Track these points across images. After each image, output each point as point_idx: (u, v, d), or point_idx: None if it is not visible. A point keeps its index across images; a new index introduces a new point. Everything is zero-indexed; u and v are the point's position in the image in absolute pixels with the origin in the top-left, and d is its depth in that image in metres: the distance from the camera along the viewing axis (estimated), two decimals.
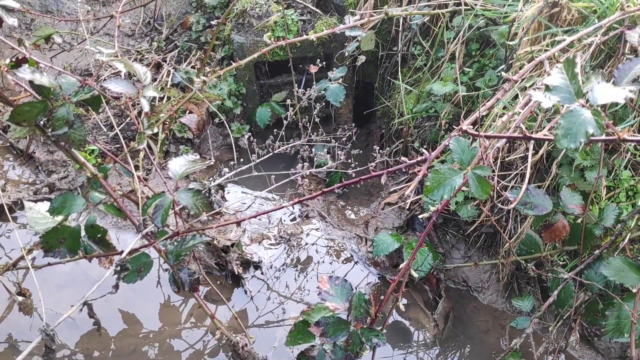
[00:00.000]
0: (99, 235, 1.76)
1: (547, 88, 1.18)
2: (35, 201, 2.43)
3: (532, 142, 1.81)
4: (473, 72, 2.38)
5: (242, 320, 2.05)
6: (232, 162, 2.47)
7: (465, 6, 2.30)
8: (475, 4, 2.28)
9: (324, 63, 2.64)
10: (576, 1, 1.99)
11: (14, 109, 1.61)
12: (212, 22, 2.98)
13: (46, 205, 1.84)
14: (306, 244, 2.40)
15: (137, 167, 2.44)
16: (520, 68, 2.06)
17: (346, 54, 2.55)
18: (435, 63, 2.54)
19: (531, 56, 2.03)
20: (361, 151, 2.74)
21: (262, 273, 2.26)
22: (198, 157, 1.83)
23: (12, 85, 2.92)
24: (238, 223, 1.74)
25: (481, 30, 2.31)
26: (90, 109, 1.74)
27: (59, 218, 1.73)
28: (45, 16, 3.29)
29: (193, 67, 2.93)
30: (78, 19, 3.33)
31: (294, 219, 2.55)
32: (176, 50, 3.06)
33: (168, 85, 2.80)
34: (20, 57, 1.65)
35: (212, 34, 2.98)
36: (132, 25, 3.37)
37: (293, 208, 2.55)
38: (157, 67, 2.97)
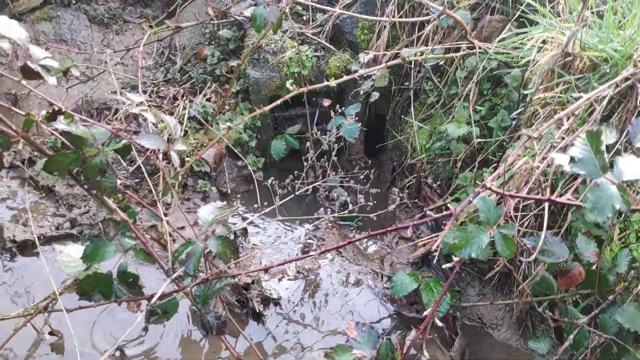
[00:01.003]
0: (131, 280, 1.82)
1: (572, 160, 1.25)
2: (58, 237, 2.49)
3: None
4: (485, 111, 2.45)
5: (262, 355, 2.10)
6: (255, 205, 2.51)
7: (478, 49, 2.38)
8: (489, 48, 2.35)
9: (337, 97, 2.71)
10: (588, 50, 2.06)
11: (48, 159, 1.67)
12: (229, 61, 3.03)
13: (75, 248, 1.90)
14: (321, 279, 2.46)
15: (155, 203, 2.50)
16: (534, 114, 2.14)
17: (361, 92, 2.61)
18: (448, 100, 2.61)
19: (544, 102, 2.11)
20: (378, 190, 2.78)
21: (280, 308, 2.31)
22: (225, 203, 1.89)
23: (45, 132, 2.96)
24: (266, 270, 1.79)
25: (494, 72, 2.38)
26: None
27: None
28: (60, 47, 3.36)
29: (208, 100, 2.99)
30: (92, 51, 3.40)
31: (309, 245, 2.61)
32: (190, 82, 3.12)
33: (185, 118, 2.86)
34: (56, 109, 1.70)
35: (227, 67, 3.04)
36: (145, 55, 3.43)
37: (317, 250, 2.61)
38: (174, 98, 3.03)
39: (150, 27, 3.66)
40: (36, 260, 2.43)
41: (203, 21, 3.13)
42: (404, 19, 2.66)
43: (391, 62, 2.42)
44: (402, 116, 2.86)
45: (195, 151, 2.72)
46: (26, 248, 2.44)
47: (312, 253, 1.76)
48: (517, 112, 2.24)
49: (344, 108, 2.67)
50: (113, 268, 1.79)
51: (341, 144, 3.06)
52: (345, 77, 2.19)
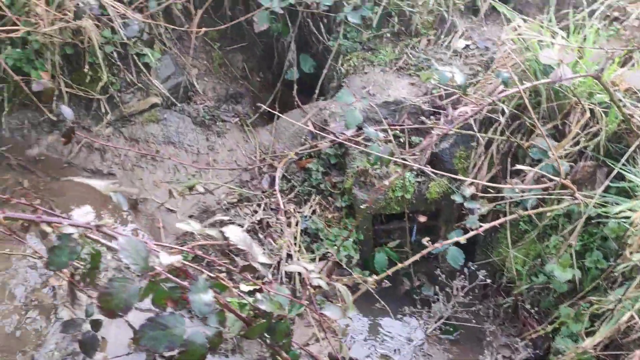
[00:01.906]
0: None
1: None
2: None
3: None
4: (579, 247, 2.75)
5: None
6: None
7: (576, 196, 2.68)
8: (589, 197, 2.66)
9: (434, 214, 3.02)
10: None
11: (250, 328, 1.97)
12: (331, 176, 3.35)
13: None
14: None
15: None
16: (632, 271, 2.43)
17: (467, 225, 2.91)
18: (543, 230, 2.90)
19: None
20: (478, 305, 3.07)
21: None
22: None
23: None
24: None
25: (592, 220, 2.68)
26: None
27: None
28: (169, 150, 3.69)
29: (314, 212, 3.30)
30: (199, 154, 3.74)
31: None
32: (294, 192, 3.43)
33: (298, 234, 3.16)
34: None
35: (330, 183, 3.36)
36: (247, 159, 3.76)
37: None
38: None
39: (243, 125, 4.02)
40: None
41: (306, 144, 3.47)
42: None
43: (492, 205, 2.73)
44: (493, 234, 3.16)
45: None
46: None
47: None
48: (614, 260, 2.53)
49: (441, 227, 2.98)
50: None
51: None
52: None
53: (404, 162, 3.04)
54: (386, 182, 2.95)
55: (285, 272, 2.85)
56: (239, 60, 4.48)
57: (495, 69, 3.27)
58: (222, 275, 2.03)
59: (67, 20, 3.48)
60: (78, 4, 3.48)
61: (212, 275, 1.92)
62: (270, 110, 4.14)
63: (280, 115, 3.91)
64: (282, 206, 3.25)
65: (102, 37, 3.70)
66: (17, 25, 3.44)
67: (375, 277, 2.28)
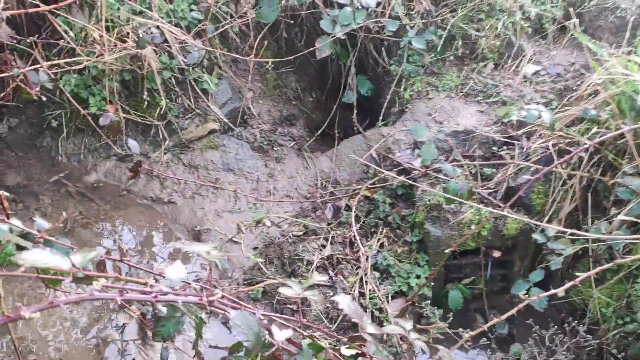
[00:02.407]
0: None
1: None
2: None
3: None
4: None
5: None
6: None
7: None
8: None
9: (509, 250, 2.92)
10: None
11: None
12: (398, 207, 3.27)
13: None
14: None
15: None
16: None
17: (552, 267, 2.81)
18: (627, 269, 2.79)
19: None
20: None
21: None
22: None
23: None
24: None
25: None
26: None
27: None
28: (230, 177, 3.63)
29: (382, 246, 3.22)
30: (259, 180, 3.67)
31: None
32: (359, 224, 3.35)
33: (369, 270, 3.08)
34: None
35: (399, 215, 3.27)
36: (308, 187, 3.69)
37: None
38: (350, 243, 3.25)
39: (300, 149, 3.94)
40: None
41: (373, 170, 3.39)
42: None
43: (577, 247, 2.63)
44: (570, 269, 3.05)
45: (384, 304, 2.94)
46: None
47: None
48: None
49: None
50: None
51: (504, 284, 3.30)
52: None
53: (488, 203, 2.95)
54: (473, 227, 2.85)
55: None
56: (292, 81, 4.41)
57: (575, 101, 3.16)
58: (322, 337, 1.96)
59: (128, 48, 3.44)
60: (139, 34, 3.44)
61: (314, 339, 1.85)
62: (329, 132, 4.09)
63: (341, 138, 3.84)
64: (360, 246, 3.16)
65: (160, 62, 3.65)
66: (79, 54, 3.41)
67: (470, 332, 2.19)
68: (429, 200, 3.09)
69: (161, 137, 3.76)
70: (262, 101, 4.18)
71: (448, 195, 2.76)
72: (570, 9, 3.47)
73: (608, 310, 2.81)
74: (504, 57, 3.61)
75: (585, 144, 2.59)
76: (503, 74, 3.56)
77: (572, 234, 2.73)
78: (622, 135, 2.65)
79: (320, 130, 4.06)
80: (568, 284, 2.36)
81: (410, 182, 3.10)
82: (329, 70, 4.35)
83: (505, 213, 2.69)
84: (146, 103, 3.72)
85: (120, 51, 3.44)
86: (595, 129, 2.81)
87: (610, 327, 2.78)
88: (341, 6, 3.60)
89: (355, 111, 3.82)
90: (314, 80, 4.54)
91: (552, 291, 2.31)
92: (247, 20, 3.77)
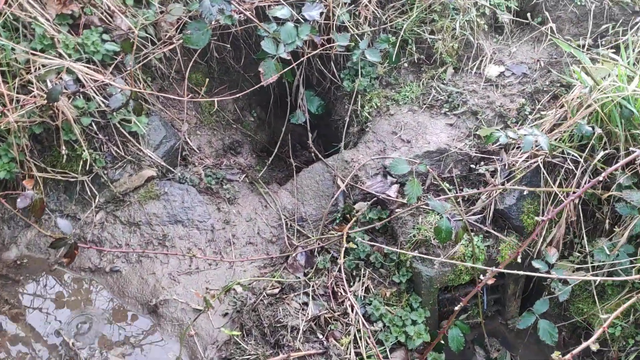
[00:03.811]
0: None
1: None
2: None
3: None
4: None
5: None
6: None
7: None
8: None
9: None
10: None
11: None
12: (379, 244, 2.94)
13: None
14: None
15: None
16: None
17: (556, 294, 2.60)
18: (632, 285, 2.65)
19: None
20: None
21: None
22: None
23: None
24: None
25: None
26: None
27: None
28: (178, 230, 3.16)
29: (367, 290, 2.90)
30: (213, 229, 3.22)
31: None
32: (337, 267, 3.00)
33: (361, 324, 2.75)
34: None
35: (381, 253, 2.95)
36: (271, 229, 3.28)
37: None
38: (333, 293, 2.90)
39: (253, 183, 3.52)
40: None
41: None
42: None
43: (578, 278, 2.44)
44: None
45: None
46: None
47: None
48: None
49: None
50: None
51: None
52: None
53: (477, 230, 2.69)
54: (468, 264, 2.57)
55: None
56: (228, 102, 3.93)
57: (548, 104, 2.94)
58: None
59: (38, 102, 2.85)
60: (45, 80, 2.85)
61: None
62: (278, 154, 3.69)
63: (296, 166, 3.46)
64: (346, 295, 2.81)
65: (76, 108, 3.08)
66: None
67: None
68: (414, 236, 2.79)
69: (89, 193, 3.21)
70: (200, 132, 3.68)
71: (440, 236, 2.47)
72: None
73: (616, 330, 2.66)
74: (463, 59, 3.33)
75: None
76: (465, 78, 3.28)
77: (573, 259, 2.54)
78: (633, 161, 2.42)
79: (271, 158, 3.63)
80: (598, 331, 2.15)
81: (385, 206, 2.79)
82: (269, 86, 3.89)
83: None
84: (65, 157, 3.14)
85: (23, 107, 2.84)
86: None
87: (617, 346, 2.64)
88: (279, 21, 3.16)
89: (310, 135, 3.43)
90: (251, 96, 4.07)
91: (584, 344, 2.09)
92: (173, 46, 3.24)
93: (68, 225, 2.55)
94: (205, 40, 3.07)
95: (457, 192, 2.91)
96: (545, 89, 3.05)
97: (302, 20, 3.15)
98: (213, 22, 3.06)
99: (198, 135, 3.66)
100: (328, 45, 3.21)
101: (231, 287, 2.74)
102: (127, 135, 3.24)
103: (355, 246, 2.91)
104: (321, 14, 3.18)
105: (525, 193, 2.74)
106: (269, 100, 4.01)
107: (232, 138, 3.82)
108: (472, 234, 2.78)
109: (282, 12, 3.14)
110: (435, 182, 2.91)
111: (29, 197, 2.44)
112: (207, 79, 3.60)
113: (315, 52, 3.20)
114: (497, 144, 2.93)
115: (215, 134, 3.74)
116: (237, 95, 3.35)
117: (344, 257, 2.98)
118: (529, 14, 3.16)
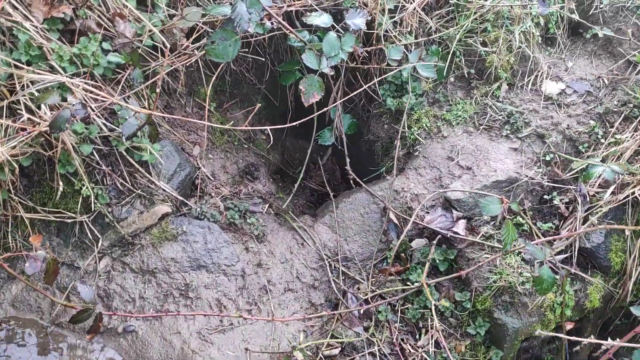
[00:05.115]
0: None
1: None
2: None
3: None
4: None
5: None
6: None
7: None
8: None
9: None
10: None
11: None
12: (448, 289, 2.56)
13: None
14: None
15: None
16: None
17: None
18: None
19: None
20: None
21: None
22: None
23: None
24: None
25: None
26: None
27: None
28: (202, 277, 2.65)
29: (437, 345, 2.52)
30: (244, 274, 2.73)
31: None
32: (397, 317, 2.61)
33: None
34: None
35: (451, 299, 2.57)
36: (311, 271, 2.82)
37: None
38: (401, 350, 2.50)
39: (279, 215, 3.05)
40: None
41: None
42: None
43: None
44: None
45: None
46: None
47: None
48: None
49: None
50: None
51: None
52: None
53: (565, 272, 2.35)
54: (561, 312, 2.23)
55: None
56: (239, 119, 3.41)
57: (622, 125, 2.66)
58: None
59: (30, 130, 2.26)
60: (38, 100, 2.27)
61: None
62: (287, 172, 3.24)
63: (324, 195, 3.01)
64: (422, 355, 2.42)
65: (74, 134, 2.50)
66: None
67: None
68: (495, 282, 2.43)
69: (90, 236, 2.64)
70: (212, 155, 3.16)
71: (541, 287, 2.12)
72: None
73: None
74: (517, 74, 2.99)
75: None
76: (521, 95, 2.95)
77: None
78: None
79: (296, 185, 3.16)
80: None
81: (451, 244, 2.41)
82: (287, 98, 3.41)
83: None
84: (59, 192, 2.55)
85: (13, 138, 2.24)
86: None
87: None
88: (311, 29, 2.71)
89: (347, 160, 2.99)
90: (262, 111, 3.57)
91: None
92: (194, 58, 2.71)
93: (90, 291, 1.99)
94: (233, 53, 2.56)
95: (529, 224, 2.57)
96: (614, 109, 2.77)
97: (340, 30, 2.71)
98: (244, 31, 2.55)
99: (210, 160, 3.13)
100: (376, 60, 2.77)
101: (292, 353, 2.27)
102: (135, 164, 2.68)
103: (447, 304, 2.51)
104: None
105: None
106: (280, 114, 3.54)
107: (247, 160, 3.31)
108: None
109: (322, 19, 2.67)
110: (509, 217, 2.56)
111: (39, 260, 1.87)
112: (213, 93, 3.09)
113: (359, 66, 2.76)
114: (572, 173, 2.62)
115: (228, 157, 3.22)
116: (277, 127, 2.84)
117: (403, 305, 2.58)
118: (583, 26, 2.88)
